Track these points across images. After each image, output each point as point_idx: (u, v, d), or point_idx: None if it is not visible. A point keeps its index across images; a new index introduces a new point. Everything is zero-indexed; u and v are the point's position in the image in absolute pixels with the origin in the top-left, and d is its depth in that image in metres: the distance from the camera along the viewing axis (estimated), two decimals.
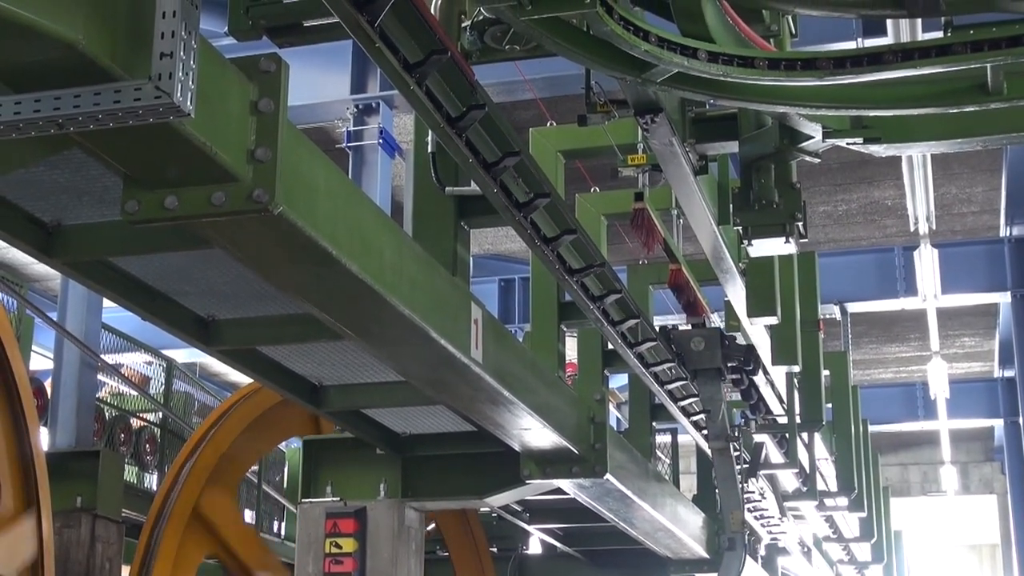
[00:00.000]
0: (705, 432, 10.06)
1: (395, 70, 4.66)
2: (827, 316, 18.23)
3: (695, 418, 10.16)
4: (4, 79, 3.28)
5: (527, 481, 7.92)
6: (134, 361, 15.25)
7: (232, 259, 4.58)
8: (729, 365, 9.58)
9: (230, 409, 9.66)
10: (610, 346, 9.06)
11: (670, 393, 9.93)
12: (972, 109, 4.86)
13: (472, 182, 5.99)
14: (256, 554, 9.73)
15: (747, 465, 10.50)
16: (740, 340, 9.87)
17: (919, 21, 10.31)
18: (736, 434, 9.90)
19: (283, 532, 16.30)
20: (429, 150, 6.76)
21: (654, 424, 11.77)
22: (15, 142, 3.39)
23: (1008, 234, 19.86)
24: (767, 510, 13.09)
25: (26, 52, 3.14)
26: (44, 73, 3.21)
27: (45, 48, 3.11)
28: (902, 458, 34.02)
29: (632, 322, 8.02)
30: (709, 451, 10.00)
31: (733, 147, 6.09)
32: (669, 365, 9.07)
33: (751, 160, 5.89)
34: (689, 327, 9.77)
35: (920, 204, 17.78)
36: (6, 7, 2.97)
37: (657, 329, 8.78)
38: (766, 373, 10.52)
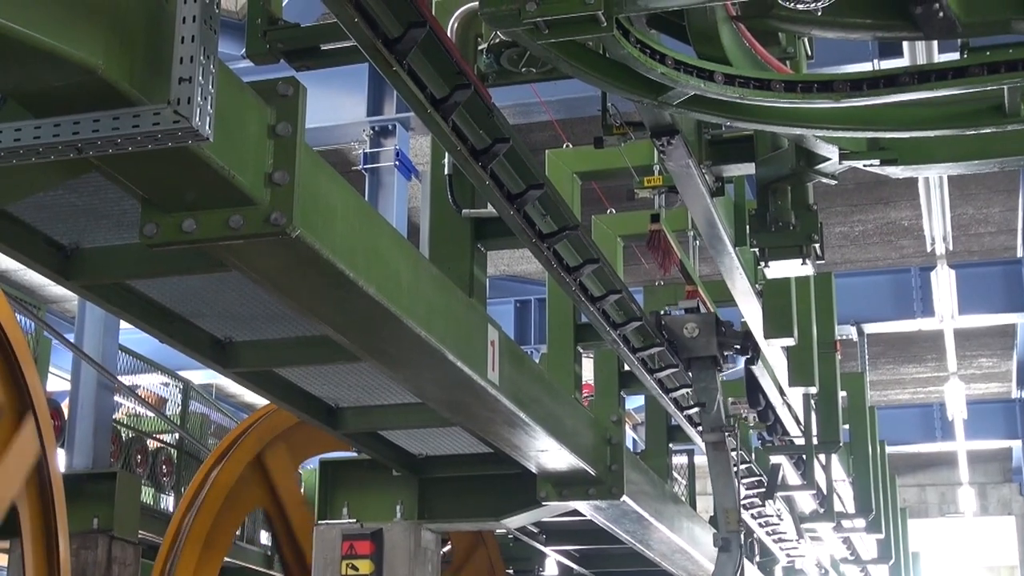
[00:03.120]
0: (699, 426, 9.39)
1: (411, 92, 4.68)
2: (844, 337, 18.15)
3: (689, 412, 9.53)
4: (24, 104, 3.31)
5: (543, 503, 7.91)
6: (151, 382, 15.29)
7: (249, 281, 4.59)
8: (725, 354, 8.91)
9: (247, 430, 9.67)
10: (626, 367, 9.05)
11: (683, 411, 9.90)
12: (989, 131, 4.85)
13: (488, 204, 6.01)
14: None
15: (744, 456, 9.77)
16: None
17: (935, 43, 10.31)
18: (732, 425, 9.05)
19: None
20: (446, 172, 6.78)
21: (671, 445, 11.75)
22: (34, 166, 3.41)
23: None
24: (784, 532, 13.05)
25: (46, 77, 3.16)
26: (64, 98, 3.23)
27: (65, 73, 3.13)
28: (920, 479, 33.84)
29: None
30: (702, 444, 9.17)
31: (750, 169, 6.09)
32: (658, 350, 8.52)
33: (768, 182, 5.89)
34: (682, 311, 9.03)
35: (937, 225, 17.74)
36: (27, 33, 2.99)
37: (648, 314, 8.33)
38: (783, 394, 10.49)
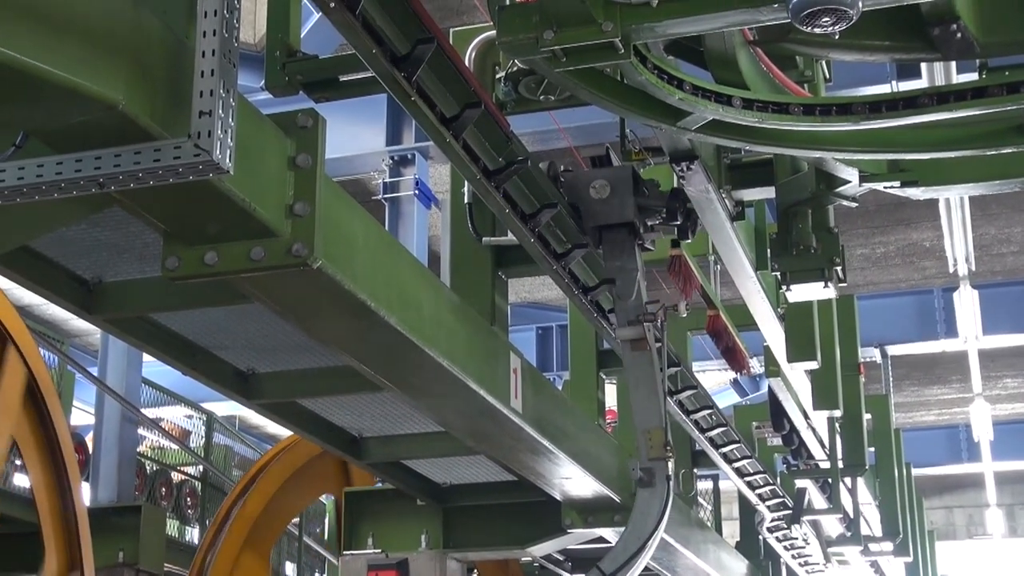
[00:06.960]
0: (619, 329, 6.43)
1: (431, 123, 4.69)
2: (867, 359, 18.10)
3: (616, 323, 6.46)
4: (46, 140, 3.32)
5: (569, 530, 7.88)
6: (174, 415, 15.33)
7: (272, 313, 4.60)
8: (649, 222, 6.40)
9: (270, 462, 9.66)
10: None
11: (711, 440, 9.86)
12: (1009, 151, 4.84)
13: (509, 232, 6.01)
14: None
15: (668, 352, 6.66)
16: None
17: (953, 63, 10.29)
18: (657, 315, 6.22)
19: None
20: (465, 200, 6.79)
21: (695, 471, 11.70)
22: (57, 201, 3.42)
23: None
24: (812, 556, 12.98)
25: (68, 113, 3.18)
26: (85, 133, 3.24)
27: (86, 109, 3.14)
28: (947, 501, 33.63)
29: (672, 370, 7.96)
30: (619, 345, 6.43)
31: (769, 193, 6.08)
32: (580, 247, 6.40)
33: (788, 205, 5.88)
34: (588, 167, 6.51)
35: (959, 245, 17.67)
36: (48, 70, 3.01)
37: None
38: (807, 418, 10.45)
